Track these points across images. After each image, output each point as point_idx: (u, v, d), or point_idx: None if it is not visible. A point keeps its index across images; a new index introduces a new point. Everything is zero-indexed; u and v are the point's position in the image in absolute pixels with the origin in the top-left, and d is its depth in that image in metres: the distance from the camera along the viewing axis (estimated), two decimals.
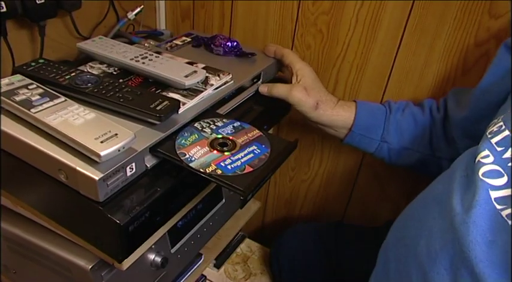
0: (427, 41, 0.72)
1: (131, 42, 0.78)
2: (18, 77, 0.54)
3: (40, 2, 0.65)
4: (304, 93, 0.67)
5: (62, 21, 0.76)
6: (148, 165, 0.50)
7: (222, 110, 0.63)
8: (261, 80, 0.73)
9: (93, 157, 0.44)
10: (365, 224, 0.95)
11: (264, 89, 0.70)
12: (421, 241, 0.44)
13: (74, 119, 0.47)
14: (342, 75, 0.83)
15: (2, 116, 0.49)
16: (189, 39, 0.78)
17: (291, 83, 0.69)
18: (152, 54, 0.63)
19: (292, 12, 0.82)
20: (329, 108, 0.69)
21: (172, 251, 0.66)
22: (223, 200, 0.79)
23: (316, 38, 0.82)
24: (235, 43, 0.73)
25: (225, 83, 0.64)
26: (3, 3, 0.60)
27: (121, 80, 0.60)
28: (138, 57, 0.62)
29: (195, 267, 0.79)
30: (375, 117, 0.69)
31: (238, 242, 1.00)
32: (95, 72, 0.62)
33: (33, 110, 0.48)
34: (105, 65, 0.64)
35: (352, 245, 0.81)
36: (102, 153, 0.43)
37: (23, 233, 0.61)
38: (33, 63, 0.58)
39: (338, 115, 0.69)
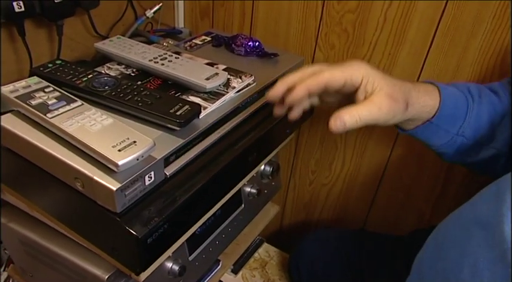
0: (461, 41, 0.68)
1: (149, 42, 0.76)
2: (35, 79, 0.52)
3: (58, 1, 0.63)
4: (392, 101, 0.49)
5: (80, 20, 0.74)
6: (167, 174, 0.48)
7: (244, 114, 0.60)
8: None
9: (110, 166, 0.41)
10: (387, 231, 0.91)
11: (336, 125, 0.47)
12: (465, 269, 0.40)
13: (91, 124, 0.45)
14: None
15: (19, 120, 0.48)
16: (208, 39, 0.75)
17: (359, 98, 0.50)
18: (172, 55, 0.61)
19: (316, 10, 0.79)
20: (416, 101, 0.52)
21: (190, 258, 0.64)
22: (243, 205, 0.76)
23: (341, 38, 0.79)
24: (257, 43, 0.70)
25: (247, 86, 0.61)
26: (21, 3, 0.59)
27: (139, 82, 0.58)
28: (157, 58, 0.59)
29: (213, 273, 0.76)
30: (457, 106, 0.56)
31: (257, 247, 0.98)
32: (112, 73, 0.60)
33: (49, 115, 0.46)
34: (123, 66, 0.62)
35: (376, 255, 0.77)
36: (120, 163, 0.41)
37: (40, 239, 0.59)
38: (50, 65, 0.56)
39: (425, 106, 0.53)
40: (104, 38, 0.78)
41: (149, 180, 0.45)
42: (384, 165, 0.86)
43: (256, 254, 0.97)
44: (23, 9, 0.59)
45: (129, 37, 0.78)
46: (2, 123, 0.47)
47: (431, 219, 0.86)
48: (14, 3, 0.58)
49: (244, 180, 0.68)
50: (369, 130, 0.84)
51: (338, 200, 0.98)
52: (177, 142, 0.48)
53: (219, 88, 0.58)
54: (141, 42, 0.73)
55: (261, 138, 0.61)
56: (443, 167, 0.79)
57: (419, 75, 0.74)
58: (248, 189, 0.76)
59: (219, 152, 0.55)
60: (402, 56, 0.74)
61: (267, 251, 0.99)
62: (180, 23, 0.95)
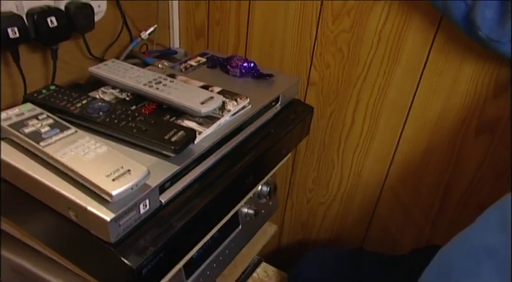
0: (456, 59, 0.68)
1: (145, 64, 0.76)
2: (29, 106, 0.52)
3: (53, 25, 0.63)
4: None
5: (75, 42, 0.74)
6: (163, 201, 0.47)
7: (240, 136, 0.60)
8: (279, 102, 0.70)
9: (104, 196, 0.41)
10: (386, 250, 0.90)
11: None
12: None
13: (84, 153, 0.44)
14: (363, 96, 0.80)
15: (11, 148, 0.47)
16: (204, 60, 0.75)
17: None
18: (166, 79, 0.61)
19: (311, 30, 0.79)
20: None
21: None
22: (240, 227, 0.75)
23: (336, 57, 0.79)
24: (252, 64, 0.70)
25: (242, 108, 0.61)
26: (16, 29, 0.58)
27: (134, 107, 0.57)
28: (151, 82, 0.59)
29: None
30: None
31: (255, 267, 0.97)
32: (107, 98, 0.59)
33: (42, 144, 0.45)
34: (117, 90, 0.61)
35: (376, 275, 0.76)
36: (114, 193, 0.40)
37: (33, 267, 0.58)
38: (44, 91, 0.56)
39: None
40: (99, 60, 0.78)
41: (144, 209, 0.44)
42: (381, 183, 0.86)
43: (254, 274, 0.96)
44: (17, 35, 0.59)
45: (124, 59, 0.78)
46: None
47: (431, 236, 0.85)
48: (9, 30, 0.58)
49: (242, 203, 0.68)
50: (365, 148, 0.84)
51: (336, 219, 0.97)
52: (172, 168, 0.48)
53: (214, 111, 0.57)
54: (136, 64, 0.73)
55: (257, 160, 0.61)
56: (441, 182, 0.78)
57: (414, 93, 0.74)
58: (245, 210, 0.76)
59: (215, 176, 0.54)
60: (397, 75, 0.74)
61: (265, 271, 0.97)
62: (176, 43, 0.95)
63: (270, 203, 0.83)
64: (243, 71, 0.70)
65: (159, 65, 0.73)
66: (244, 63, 0.70)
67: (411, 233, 0.88)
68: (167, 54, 0.88)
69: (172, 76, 0.65)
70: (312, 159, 0.93)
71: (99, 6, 0.73)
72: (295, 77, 0.74)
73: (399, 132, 0.79)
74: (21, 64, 0.64)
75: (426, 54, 0.70)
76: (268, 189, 0.78)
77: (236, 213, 0.74)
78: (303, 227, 1.03)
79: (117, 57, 0.79)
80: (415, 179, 0.81)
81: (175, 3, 0.91)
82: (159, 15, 0.89)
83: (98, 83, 0.64)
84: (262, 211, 0.81)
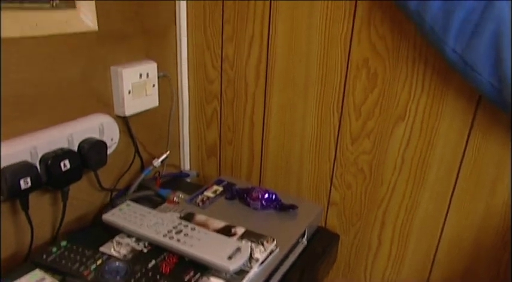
0: (486, 183, 0.65)
1: (158, 196, 0.72)
2: (37, 274, 0.46)
3: (66, 168, 0.60)
4: None
5: (86, 178, 0.71)
6: None
7: None
8: (305, 236, 0.65)
9: None
10: None
11: None
12: None
13: None
14: (389, 217, 0.75)
15: None
16: (221, 189, 0.72)
17: None
18: (187, 226, 0.56)
19: (330, 152, 0.77)
20: None
21: None
22: None
23: (357, 178, 0.76)
24: (273, 196, 0.67)
25: (270, 253, 0.56)
26: (28, 179, 0.55)
27: (153, 262, 0.52)
28: (171, 231, 0.55)
29: None
30: None
31: None
32: (123, 250, 0.54)
33: None
34: (133, 239, 0.56)
35: None
36: None
37: None
38: (54, 249, 0.51)
39: None
40: (109, 190, 0.74)
41: None
42: (433, 252, 0.76)
43: None
44: (29, 185, 0.55)
45: (136, 189, 0.74)
46: None
47: None
48: (21, 181, 0.54)
49: None
50: (395, 272, 0.78)
51: None
52: None
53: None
54: (149, 196, 0.69)
55: None
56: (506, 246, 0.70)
57: (444, 220, 0.70)
58: None
59: None
60: (424, 199, 0.71)
61: None
62: (186, 162, 0.93)
63: None
64: (265, 203, 0.66)
65: (175, 198, 0.69)
66: (265, 194, 0.67)
67: None
68: (179, 177, 0.85)
69: (191, 216, 0.61)
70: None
71: (111, 139, 0.71)
72: (317, 206, 0.70)
73: (432, 256, 0.73)
74: (30, 210, 0.60)
75: (454, 178, 0.67)
76: None
77: None
78: None
79: (128, 187, 0.76)
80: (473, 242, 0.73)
81: (186, 124, 0.90)
82: (170, 136, 0.87)
83: (111, 231, 0.59)
84: None
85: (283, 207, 0.66)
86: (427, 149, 0.68)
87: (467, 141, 0.65)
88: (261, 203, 0.66)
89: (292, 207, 0.66)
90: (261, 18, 0.75)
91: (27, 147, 0.56)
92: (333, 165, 0.78)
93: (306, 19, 0.71)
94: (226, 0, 0.78)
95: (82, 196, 0.71)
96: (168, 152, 0.80)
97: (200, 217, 0.61)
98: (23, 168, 0.55)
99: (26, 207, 0.58)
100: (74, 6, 0.62)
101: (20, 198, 0.57)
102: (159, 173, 0.83)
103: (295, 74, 0.76)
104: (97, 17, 0.65)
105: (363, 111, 0.72)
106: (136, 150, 0.78)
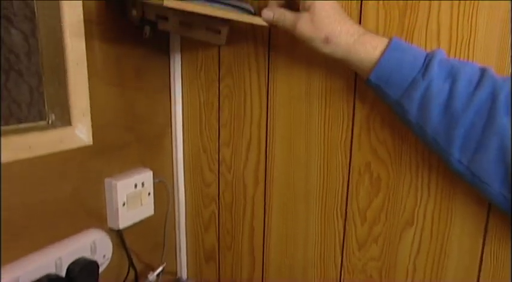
0: None
1: None
2: None
3: None
4: (311, 26, 0.55)
5: None
6: None
7: None
8: None
9: None
10: None
11: (269, 15, 0.59)
12: None
13: None
14: None
15: None
16: None
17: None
18: None
19: (335, 258, 0.73)
20: (343, 43, 0.55)
21: None
22: None
23: None
24: None
25: None
26: None
27: None
28: None
29: None
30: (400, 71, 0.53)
31: None
32: None
33: None
34: None
35: None
36: None
37: None
38: None
39: (356, 54, 0.55)
40: None
41: None
42: None
43: None
44: None
45: None
46: None
47: None
48: None
49: None
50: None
51: None
52: None
53: None
54: None
55: None
56: None
57: None
58: None
59: None
60: None
61: None
62: (184, 269, 0.87)
63: None
64: None
65: None
66: None
67: None
68: None
69: None
70: None
71: (104, 256, 0.66)
72: None
73: None
74: None
75: None
76: None
77: None
78: None
79: None
80: None
81: (183, 229, 0.85)
82: (166, 242, 0.83)
83: None
84: None
85: None
86: (439, 255, 0.65)
87: (483, 248, 0.61)
88: None
89: None
90: (257, 122, 0.75)
91: (9, 280, 0.52)
92: (340, 272, 0.73)
93: (304, 124, 0.71)
94: (223, 104, 0.78)
95: None
96: (164, 264, 0.75)
97: None
98: None
99: None
100: (69, 123, 0.61)
101: None
102: None
103: (295, 178, 0.74)
104: (92, 131, 0.64)
105: (368, 216, 0.69)
106: (131, 263, 0.73)
